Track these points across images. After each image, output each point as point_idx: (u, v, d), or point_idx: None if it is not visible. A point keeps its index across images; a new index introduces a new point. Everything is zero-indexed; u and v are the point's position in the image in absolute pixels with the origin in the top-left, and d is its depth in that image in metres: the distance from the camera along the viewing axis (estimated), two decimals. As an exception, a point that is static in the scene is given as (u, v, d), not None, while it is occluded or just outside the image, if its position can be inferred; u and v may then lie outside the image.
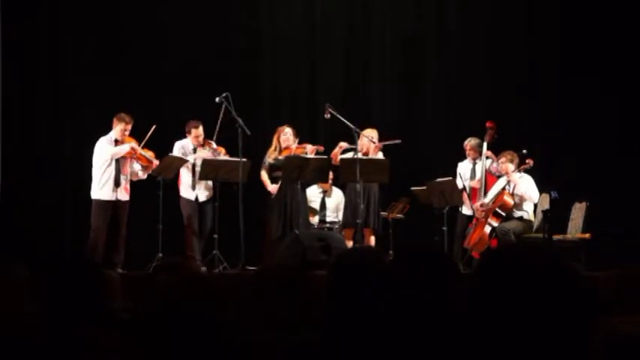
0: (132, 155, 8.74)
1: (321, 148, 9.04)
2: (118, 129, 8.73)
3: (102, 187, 8.69)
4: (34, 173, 10.16)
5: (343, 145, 8.96)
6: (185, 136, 9.09)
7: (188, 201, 9.02)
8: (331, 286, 2.41)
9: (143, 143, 8.74)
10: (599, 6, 10.24)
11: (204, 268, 8.41)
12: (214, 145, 8.95)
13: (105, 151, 8.71)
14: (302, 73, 10.81)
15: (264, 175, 9.06)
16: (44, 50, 10.30)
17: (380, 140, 9.09)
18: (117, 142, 8.74)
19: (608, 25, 10.19)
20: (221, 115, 8.80)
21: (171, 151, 8.96)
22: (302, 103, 10.52)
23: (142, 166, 8.87)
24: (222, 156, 8.94)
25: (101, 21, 10.37)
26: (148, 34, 10.38)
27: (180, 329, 2.19)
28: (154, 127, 8.67)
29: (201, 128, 8.98)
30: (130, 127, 8.75)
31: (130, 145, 8.72)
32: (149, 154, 8.82)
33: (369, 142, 8.99)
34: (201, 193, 9.04)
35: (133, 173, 8.89)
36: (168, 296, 2.32)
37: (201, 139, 9.01)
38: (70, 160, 10.06)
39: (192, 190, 9.00)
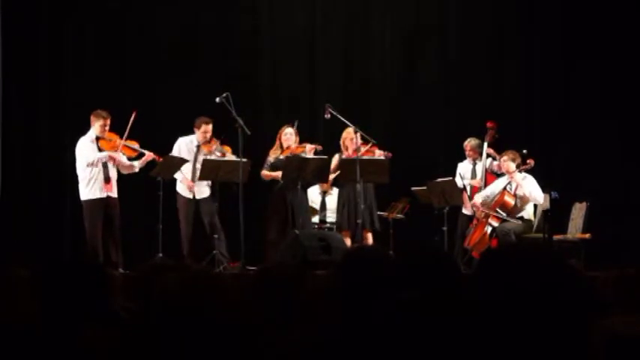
0: (113, 158, 8.57)
1: (320, 147, 9.01)
2: (97, 125, 8.56)
3: (91, 187, 8.53)
4: (34, 173, 10.14)
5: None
6: (189, 133, 8.97)
7: (186, 200, 8.93)
8: (340, 284, 2.40)
9: (126, 134, 8.56)
10: (601, 4, 10.24)
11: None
12: (219, 145, 8.87)
13: (89, 154, 8.54)
14: (302, 73, 10.80)
15: (267, 173, 8.96)
16: (44, 50, 10.29)
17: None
18: (98, 140, 8.58)
19: (610, 23, 10.19)
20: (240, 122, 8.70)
21: (170, 150, 8.92)
22: (302, 103, 10.52)
23: (130, 158, 8.69)
24: (229, 155, 8.86)
25: (101, 21, 10.37)
26: (148, 34, 10.38)
27: (174, 330, 2.18)
28: (135, 113, 8.51)
29: (211, 125, 8.87)
30: (108, 122, 8.56)
31: (107, 153, 8.54)
32: (134, 144, 8.66)
33: (355, 143, 8.86)
34: (199, 190, 8.92)
35: (125, 166, 8.72)
36: (160, 297, 2.32)
37: (208, 135, 8.88)
38: (69, 160, 10.03)
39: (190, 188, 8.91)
